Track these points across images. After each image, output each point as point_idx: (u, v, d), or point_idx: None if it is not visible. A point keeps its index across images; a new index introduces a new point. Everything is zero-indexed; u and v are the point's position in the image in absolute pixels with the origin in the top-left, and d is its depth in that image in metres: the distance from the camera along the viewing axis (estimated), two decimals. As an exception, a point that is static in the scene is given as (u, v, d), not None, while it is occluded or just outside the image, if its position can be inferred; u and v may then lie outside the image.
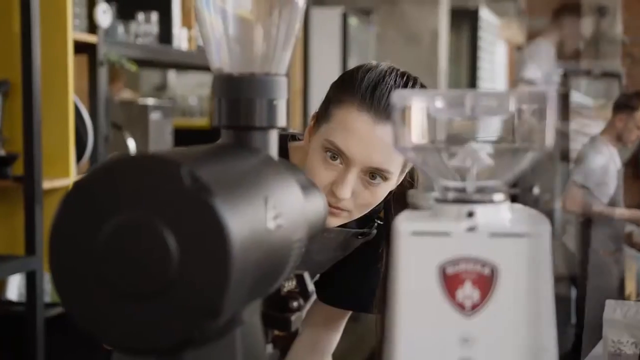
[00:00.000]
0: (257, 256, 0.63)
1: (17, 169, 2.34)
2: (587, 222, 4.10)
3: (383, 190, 1.26)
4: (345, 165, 1.23)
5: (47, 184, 2.36)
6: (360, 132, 1.21)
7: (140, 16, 2.95)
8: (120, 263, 0.59)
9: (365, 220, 1.38)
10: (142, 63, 3.10)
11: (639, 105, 4.24)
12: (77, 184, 0.61)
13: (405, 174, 1.31)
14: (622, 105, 4.24)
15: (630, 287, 4.12)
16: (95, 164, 2.63)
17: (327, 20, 4.74)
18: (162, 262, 0.58)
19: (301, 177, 0.81)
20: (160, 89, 5.56)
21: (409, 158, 0.68)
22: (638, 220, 4.22)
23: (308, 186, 0.81)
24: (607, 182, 4.10)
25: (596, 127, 4.42)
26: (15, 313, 2.43)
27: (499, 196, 0.68)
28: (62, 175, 2.44)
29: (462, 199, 0.67)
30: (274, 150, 0.78)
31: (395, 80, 1.25)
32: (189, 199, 0.58)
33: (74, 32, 2.47)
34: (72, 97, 2.44)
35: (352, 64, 5.99)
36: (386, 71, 1.25)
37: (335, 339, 1.49)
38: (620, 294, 3.96)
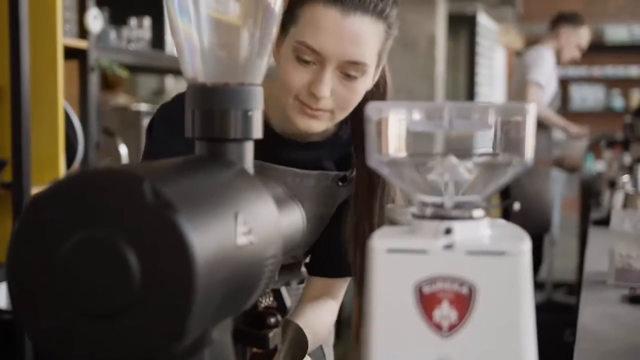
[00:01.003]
0: (224, 274, 0.60)
1: (6, 175, 2.31)
2: None
3: (361, 85, 1.23)
4: (320, 63, 1.20)
5: (36, 191, 2.33)
6: (330, 27, 1.18)
7: (133, 21, 2.92)
8: (81, 281, 0.56)
9: (343, 164, 1.36)
10: (134, 68, 3.07)
11: (581, 24, 4.35)
12: (36, 198, 0.58)
13: (380, 69, 1.28)
14: (566, 20, 4.35)
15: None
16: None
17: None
18: (123, 281, 0.56)
19: (277, 190, 0.79)
20: (158, 94, 5.53)
21: (384, 172, 0.65)
22: (568, 130, 4.62)
23: (284, 199, 0.78)
24: (550, 85, 4.34)
25: None
26: (3, 321, 2.40)
27: (478, 212, 0.65)
28: (52, 181, 2.41)
29: (440, 214, 0.65)
30: (249, 162, 0.75)
31: None
32: (151, 215, 0.56)
33: (65, 38, 2.45)
34: (62, 103, 2.41)
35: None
36: None
37: (335, 309, 1.44)
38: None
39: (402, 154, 0.66)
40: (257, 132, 0.76)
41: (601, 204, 3.53)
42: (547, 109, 4.42)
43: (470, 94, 7.32)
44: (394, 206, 0.72)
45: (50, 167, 2.40)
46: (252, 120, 0.75)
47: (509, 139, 0.64)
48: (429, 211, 0.65)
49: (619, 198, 2.79)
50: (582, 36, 4.38)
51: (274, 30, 0.78)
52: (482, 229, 0.65)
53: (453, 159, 0.66)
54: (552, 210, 4.51)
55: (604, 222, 2.69)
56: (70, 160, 2.50)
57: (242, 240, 0.63)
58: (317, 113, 1.23)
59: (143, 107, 3.07)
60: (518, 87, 4.39)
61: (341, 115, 1.25)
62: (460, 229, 0.64)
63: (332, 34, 1.18)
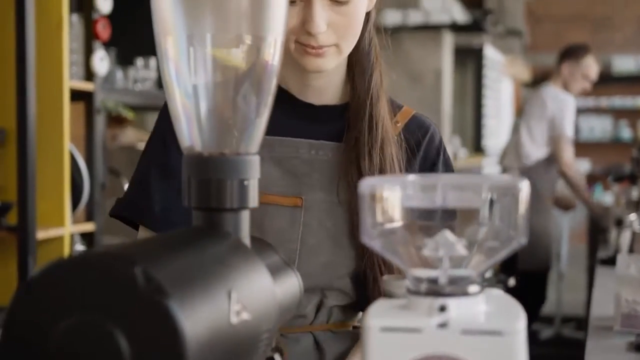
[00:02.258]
0: (217, 355, 0.60)
1: (11, 218, 2.32)
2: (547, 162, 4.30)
3: (357, 8, 1.16)
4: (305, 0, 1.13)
5: (41, 234, 2.33)
6: None
7: (139, 62, 2.95)
8: (72, 365, 0.56)
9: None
10: (141, 108, 3.09)
11: (583, 55, 4.33)
12: (29, 281, 0.58)
13: None
14: (568, 54, 4.35)
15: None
16: (91, 211, 2.61)
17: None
18: (114, 366, 0.55)
19: (273, 258, 0.78)
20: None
21: (377, 246, 0.65)
22: (590, 206, 4.55)
23: (279, 267, 0.78)
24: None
25: None
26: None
27: (473, 288, 0.65)
28: (57, 224, 2.42)
29: (435, 291, 0.64)
30: (245, 231, 0.75)
31: None
32: (143, 300, 0.56)
33: (71, 80, 2.46)
34: (67, 146, 2.42)
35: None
36: None
37: None
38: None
39: (396, 229, 0.66)
40: (254, 201, 0.76)
41: (608, 242, 3.51)
42: (579, 172, 4.39)
43: (478, 127, 7.32)
44: (389, 278, 0.72)
45: (56, 210, 2.41)
46: (248, 189, 0.75)
47: (504, 215, 0.64)
48: (423, 287, 0.65)
49: (626, 237, 2.77)
50: (586, 67, 4.37)
51: (270, 99, 0.78)
52: (477, 305, 0.64)
53: (448, 234, 0.65)
54: (553, 246, 4.48)
55: (612, 261, 2.67)
56: (75, 202, 2.51)
57: (235, 318, 0.63)
58: (321, 51, 1.16)
59: (149, 146, 3.07)
60: (535, 130, 4.33)
61: (348, 46, 1.18)
62: (455, 305, 0.63)
63: None
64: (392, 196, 0.65)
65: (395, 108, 1.30)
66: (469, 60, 7.14)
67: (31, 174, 2.27)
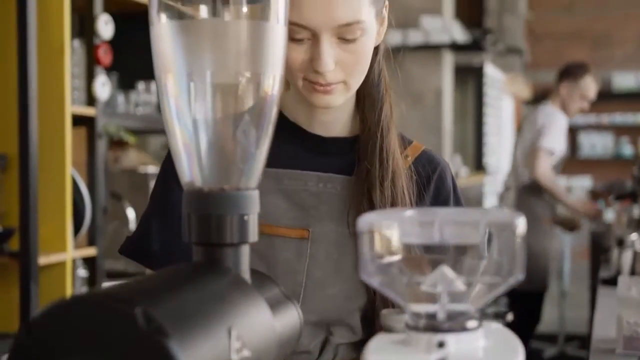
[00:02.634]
0: (218, 393, 0.60)
1: (13, 244, 2.32)
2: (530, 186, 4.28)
3: (365, 44, 1.14)
4: (313, 37, 1.11)
5: (43, 260, 2.34)
6: None
7: (141, 85, 2.96)
8: (74, 406, 0.56)
9: None
10: (142, 132, 3.11)
11: (582, 75, 4.31)
12: (29, 323, 0.59)
13: (385, 23, 1.21)
14: (566, 74, 4.33)
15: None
16: (93, 236, 2.62)
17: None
18: (115, 407, 0.56)
19: (273, 291, 0.79)
20: (166, 148, 5.56)
21: (375, 283, 0.66)
22: (576, 209, 4.51)
23: (280, 301, 0.78)
24: (559, 149, 4.33)
25: None
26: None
27: (472, 323, 0.65)
28: (59, 249, 2.42)
29: (433, 326, 0.65)
30: (245, 265, 0.76)
31: None
32: (143, 341, 0.56)
33: (73, 106, 2.48)
34: (69, 171, 2.43)
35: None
36: None
37: None
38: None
39: (394, 264, 0.66)
40: (254, 235, 0.76)
41: (610, 261, 3.50)
42: (556, 181, 4.36)
43: (479, 145, 7.34)
44: (388, 312, 0.72)
45: (58, 235, 2.42)
46: (248, 224, 0.76)
47: (502, 250, 0.64)
48: (421, 323, 0.65)
49: (627, 257, 2.77)
50: (585, 87, 4.37)
51: (269, 134, 0.79)
52: (476, 341, 0.65)
53: (446, 270, 0.66)
54: (551, 266, 4.46)
55: (613, 281, 2.66)
56: (77, 227, 2.51)
57: (236, 356, 0.63)
58: (329, 88, 1.14)
59: (151, 169, 3.09)
60: (528, 149, 4.35)
61: (356, 82, 1.17)
62: (453, 341, 0.64)
63: (312, 4, 1.09)
64: (390, 232, 0.66)
65: (405, 142, 1.29)
66: (470, 78, 7.17)
67: (33, 200, 2.28)
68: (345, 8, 1.10)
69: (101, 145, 2.60)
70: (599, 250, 4.34)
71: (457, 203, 1.27)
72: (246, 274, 0.75)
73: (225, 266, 0.74)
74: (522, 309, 4.19)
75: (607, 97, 9.79)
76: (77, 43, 2.57)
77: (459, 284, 0.65)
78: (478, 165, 7.31)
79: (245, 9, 0.74)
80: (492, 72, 7.56)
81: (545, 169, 4.19)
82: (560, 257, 5.64)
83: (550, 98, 4.46)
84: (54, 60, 2.42)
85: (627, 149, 9.89)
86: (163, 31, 0.75)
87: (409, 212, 0.68)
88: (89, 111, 2.57)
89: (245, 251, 0.76)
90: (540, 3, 9.96)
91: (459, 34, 5.39)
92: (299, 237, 1.19)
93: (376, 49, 1.22)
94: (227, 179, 0.77)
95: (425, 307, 0.66)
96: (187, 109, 0.76)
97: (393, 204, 1.17)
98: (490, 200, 7.41)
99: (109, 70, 2.71)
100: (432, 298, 0.66)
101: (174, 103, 0.76)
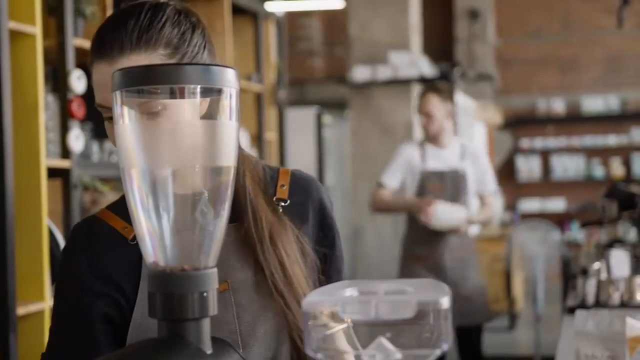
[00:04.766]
0: None
1: (-8, 295, 2.38)
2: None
3: (177, 118, 1.10)
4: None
5: (21, 310, 2.39)
6: (99, 79, 1.14)
7: (114, 134, 3.04)
8: None
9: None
10: (117, 179, 3.18)
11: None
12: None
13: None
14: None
15: None
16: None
17: (302, 119, 4.86)
18: None
19: (234, 357, 0.87)
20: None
21: (320, 357, 0.74)
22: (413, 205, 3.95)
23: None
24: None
25: None
26: None
27: (406, 389, 0.73)
28: (37, 299, 2.48)
29: (372, 394, 0.73)
30: (206, 337, 0.84)
31: (124, 11, 1.18)
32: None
33: (48, 159, 2.55)
34: (45, 222, 2.49)
35: (327, 159, 6.13)
36: (117, 9, 1.21)
37: None
38: None
39: (336, 339, 0.75)
40: (213, 309, 0.85)
41: (576, 289, 3.58)
42: (381, 195, 3.98)
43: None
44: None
45: (35, 285, 2.48)
46: (207, 299, 0.84)
47: (430, 325, 0.73)
48: (362, 390, 0.73)
49: (591, 286, 2.85)
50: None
51: (226, 215, 0.87)
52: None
53: (383, 341, 0.74)
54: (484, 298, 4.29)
55: (579, 309, 2.73)
56: (55, 276, 2.57)
57: None
58: None
59: (126, 213, 3.15)
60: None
61: None
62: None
63: (107, 86, 1.12)
64: (332, 311, 0.74)
65: (273, 172, 1.32)
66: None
67: (10, 251, 2.34)
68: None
69: (76, 195, 2.67)
70: (569, 275, 4.42)
71: (330, 228, 1.32)
72: (207, 345, 0.83)
73: (187, 340, 0.82)
74: (464, 346, 4.19)
75: (577, 120, 9.99)
76: (50, 98, 2.65)
77: (395, 354, 0.74)
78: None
79: (199, 109, 0.82)
80: (462, 101, 7.69)
81: (371, 200, 4.01)
82: (534, 281, 5.74)
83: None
84: (29, 115, 2.49)
85: (599, 171, 10.07)
86: (126, 130, 0.83)
87: (348, 292, 0.76)
88: (63, 163, 2.64)
89: (206, 324, 0.84)
90: (508, 30, 10.16)
91: (427, 68, 5.52)
92: (221, 290, 1.21)
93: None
94: (187, 259, 0.85)
95: (365, 375, 0.75)
96: (149, 198, 0.84)
97: (280, 262, 1.21)
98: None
99: (82, 121, 2.78)
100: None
101: (137, 192, 0.84)
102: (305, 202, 1.31)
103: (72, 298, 1.23)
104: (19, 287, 2.41)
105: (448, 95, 3.96)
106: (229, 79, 0.85)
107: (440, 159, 3.97)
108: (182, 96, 0.83)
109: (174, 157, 0.83)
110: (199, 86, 0.83)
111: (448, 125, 3.96)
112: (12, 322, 2.31)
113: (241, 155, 1.27)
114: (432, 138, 3.98)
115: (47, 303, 2.50)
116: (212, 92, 0.84)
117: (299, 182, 1.32)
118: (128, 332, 1.21)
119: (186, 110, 0.98)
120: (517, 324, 6.93)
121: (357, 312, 0.74)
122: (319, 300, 0.75)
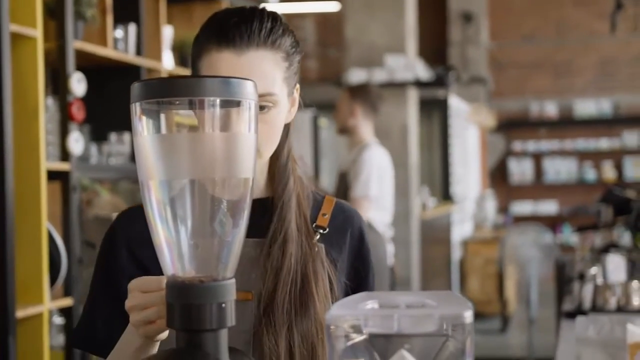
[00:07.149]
0: None
1: (-9, 298, 2.37)
2: None
3: (276, 117, 1.21)
4: None
5: (20, 313, 2.39)
6: (227, 68, 1.16)
7: (113, 137, 3.04)
8: None
9: None
10: (116, 181, 3.18)
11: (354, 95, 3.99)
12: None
13: (297, 100, 1.28)
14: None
15: None
16: (69, 286, 2.68)
17: (298, 122, 4.84)
18: None
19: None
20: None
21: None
22: None
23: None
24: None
25: None
26: None
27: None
28: (36, 302, 2.48)
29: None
30: (224, 347, 0.84)
31: (243, 9, 1.21)
32: None
33: (48, 161, 2.54)
34: (45, 225, 2.49)
35: (324, 162, 6.14)
36: (228, 8, 1.25)
37: None
38: None
39: (358, 352, 0.75)
40: (231, 319, 0.85)
41: (572, 293, 3.59)
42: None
43: (445, 175, 7.47)
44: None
45: (34, 288, 2.47)
46: (225, 310, 0.84)
47: (455, 342, 0.73)
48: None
49: (588, 292, 2.85)
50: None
51: (244, 225, 0.88)
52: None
53: (405, 354, 0.75)
54: None
55: (575, 315, 2.73)
56: (54, 278, 2.57)
57: None
58: None
59: (124, 216, 3.14)
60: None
61: (267, 151, 1.22)
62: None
63: (230, 73, 1.15)
64: (354, 325, 0.75)
65: (317, 199, 1.33)
66: (435, 110, 7.31)
67: (10, 254, 2.34)
68: (258, 81, 1.12)
69: (75, 198, 2.66)
70: (563, 279, 4.43)
71: (365, 259, 1.32)
72: (224, 356, 0.84)
73: (205, 351, 0.82)
74: None
75: (570, 124, 10.03)
76: (50, 101, 2.64)
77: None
78: (445, 195, 7.44)
79: (219, 121, 0.82)
80: (456, 104, 7.71)
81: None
82: (527, 284, 5.76)
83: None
84: (29, 118, 2.49)
85: (591, 174, 10.11)
86: (145, 142, 0.84)
87: (370, 305, 0.77)
88: (63, 166, 2.64)
89: (224, 335, 0.85)
90: (502, 33, 10.18)
91: (422, 71, 5.53)
92: (242, 299, 1.20)
93: (287, 127, 1.28)
94: (205, 270, 0.85)
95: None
96: (168, 210, 0.84)
97: (278, 268, 1.21)
98: (457, 230, 7.54)
99: (81, 123, 2.78)
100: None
101: (156, 205, 0.84)
102: (344, 233, 1.31)
103: (113, 282, 1.23)
104: (19, 289, 2.40)
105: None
106: (248, 91, 0.86)
107: None
108: (201, 108, 0.84)
109: (193, 168, 0.84)
110: (218, 99, 0.84)
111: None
112: (11, 325, 2.31)
113: (297, 177, 1.29)
114: None
115: (47, 306, 2.50)
116: (232, 104, 0.85)
117: (341, 213, 1.32)
118: None
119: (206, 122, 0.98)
120: (509, 326, 6.95)
121: (379, 325, 0.75)
122: (342, 314, 0.75)
